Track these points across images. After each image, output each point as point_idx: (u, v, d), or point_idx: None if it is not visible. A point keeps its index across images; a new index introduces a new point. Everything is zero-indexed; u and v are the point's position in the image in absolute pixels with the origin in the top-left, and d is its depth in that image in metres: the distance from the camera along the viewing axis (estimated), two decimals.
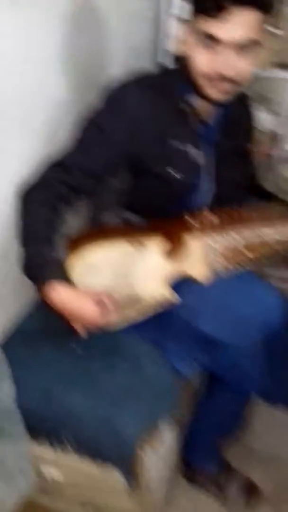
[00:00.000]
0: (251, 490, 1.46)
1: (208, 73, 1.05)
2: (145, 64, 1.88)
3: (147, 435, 1.08)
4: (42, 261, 1.02)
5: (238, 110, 1.24)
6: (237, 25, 0.98)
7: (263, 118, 2.01)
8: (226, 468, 1.49)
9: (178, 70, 1.14)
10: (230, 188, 1.28)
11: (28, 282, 1.08)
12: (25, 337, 1.25)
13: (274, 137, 2.07)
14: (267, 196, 1.41)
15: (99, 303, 1.04)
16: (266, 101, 2.07)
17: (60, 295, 1.01)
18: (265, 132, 2.03)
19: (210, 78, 1.05)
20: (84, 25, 1.34)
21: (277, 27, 1.82)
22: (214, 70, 1.04)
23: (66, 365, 1.17)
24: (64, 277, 1.02)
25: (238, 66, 1.03)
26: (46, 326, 1.26)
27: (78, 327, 1.08)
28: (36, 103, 1.20)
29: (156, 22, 1.91)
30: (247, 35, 0.99)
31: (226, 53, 1.01)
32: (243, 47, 1.01)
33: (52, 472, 1.23)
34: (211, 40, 1.00)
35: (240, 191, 1.35)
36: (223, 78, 1.04)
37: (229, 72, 1.02)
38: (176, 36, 1.83)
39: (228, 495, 1.46)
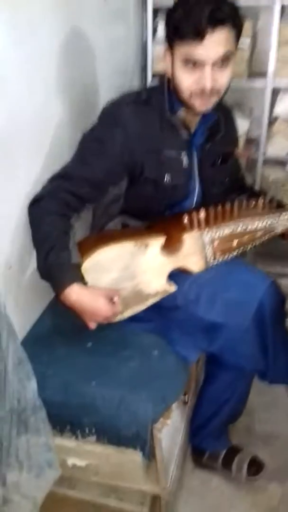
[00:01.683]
0: (257, 467, 1.57)
1: (193, 90, 1.18)
2: (135, 85, 2.07)
3: (160, 415, 1.19)
4: (61, 267, 1.14)
5: (222, 120, 1.36)
6: (213, 44, 1.11)
7: (239, 124, 2.15)
8: (232, 448, 1.60)
9: (162, 86, 1.28)
10: (214, 187, 1.43)
11: (40, 286, 1.20)
12: (39, 337, 1.36)
13: (250, 141, 2.22)
14: (256, 195, 1.52)
15: (110, 299, 1.17)
16: (240, 108, 2.22)
17: (77, 294, 1.13)
18: (242, 136, 2.17)
19: (196, 94, 1.19)
20: (76, 53, 1.48)
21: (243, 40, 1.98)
22: (198, 87, 1.17)
23: (80, 359, 1.28)
24: (80, 279, 1.15)
25: (218, 79, 1.16)
26: (56, 326, 1.38)
27: (90, 322, 1.19)
28: (40, 124, 1.32)
29: (144, 46, 2.11)
30: (224, 50, 1.13)
31: (206, 70, 1.14)
32: (221, 61, 1.14)
33: (74, 461, 1.33)
34: (192, 61, 1.14)
35: (225, 189, 1.48)
36: (206, 91, 1.17)
37: (211, 86, 1.16)
38: (160, 58, 2.00)
39: (236, 473, 1.56)
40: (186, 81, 1.18)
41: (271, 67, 1.95)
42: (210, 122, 1.33)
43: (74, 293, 1.12)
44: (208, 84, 1.15)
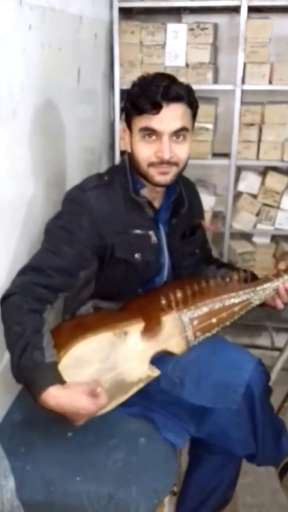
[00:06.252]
0: None
1: (151, 160, 1.23)
2: (103, 162, 2.10)
3: (152, 509, 1.11)
4: (34, 370, 1.07)
5: (186, 194, 1.39)
6: (170, 117, 1.19)
7: (204, 200, 2.22)
8: None
9: (124, 167, 1.31)
10: (185, 260, 1.44)
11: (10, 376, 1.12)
12: (14, 427, 1.27)
13: (216, 215, 2.28)
14: (225, 266, 1.56)
15: (91, 394, 1.09)
16: (205, 185, 2.30)
17: (55, 398, 1.05)
18: (208, 211, 2.24)
19: (153, 164, 1.23)
20: (50, 132, 1.52)
21: (207, 122, 2.09)
22: (156, 156, 1.22)
23: (61, 451, 1.19)
24: (57, 379, 1.07)
25: (176, 151, 1.22)
26: (32, 414, 1.28)
27: (74, 421, 1.12)
28: (18, 204, 1.32)
29: (112, 126, 2.21)
30: (180, 124, 1.20)
31: (164, 140, 1.20)
32: (177, 134, 1.21)
33: None
34: (150, 132, 1.21)
35: (194, 261, 1.49)
36: (164, 162, 1.21)
37: (168, 155, 1.21)
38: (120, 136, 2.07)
39: None
40: (145, 152, 1.23)
41: (234, 148, 2.05)
42: (173, 196, 1.36)
43: (52, 397, 1.05)
44: (166, 155, 1.20)
